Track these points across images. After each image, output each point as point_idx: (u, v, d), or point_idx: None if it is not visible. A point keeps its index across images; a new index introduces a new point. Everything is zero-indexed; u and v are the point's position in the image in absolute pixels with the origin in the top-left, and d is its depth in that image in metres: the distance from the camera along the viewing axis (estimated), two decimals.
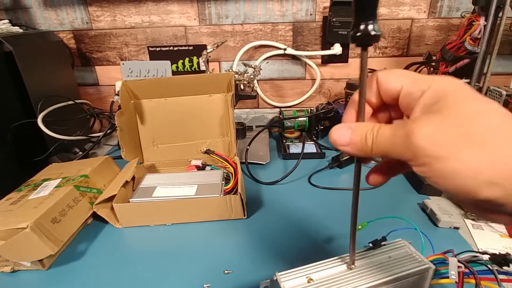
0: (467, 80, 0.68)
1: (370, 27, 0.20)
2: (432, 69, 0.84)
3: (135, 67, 0.96)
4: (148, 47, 0.95)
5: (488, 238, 0.49)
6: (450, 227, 0.51)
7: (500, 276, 0.30)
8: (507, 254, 0.30)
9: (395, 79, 0.22)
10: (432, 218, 0.53)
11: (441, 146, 0.17)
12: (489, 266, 0.31)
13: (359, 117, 0.23)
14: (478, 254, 0.33)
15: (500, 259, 0.30)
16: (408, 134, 0.19)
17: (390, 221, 0.46)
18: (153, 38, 0.95)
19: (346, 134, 0.22)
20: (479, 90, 0.64)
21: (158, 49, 0.95)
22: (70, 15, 0.93)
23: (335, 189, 0.63)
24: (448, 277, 0.32)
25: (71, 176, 0.57)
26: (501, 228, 0.50)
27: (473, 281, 0.31)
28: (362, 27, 0.20)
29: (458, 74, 0.74)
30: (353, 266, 0.31)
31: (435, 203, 0.55)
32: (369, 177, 0.27)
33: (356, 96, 0.23)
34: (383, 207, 0.57)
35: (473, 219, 0.52)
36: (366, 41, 0.20)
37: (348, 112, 0.24)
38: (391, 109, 0.25)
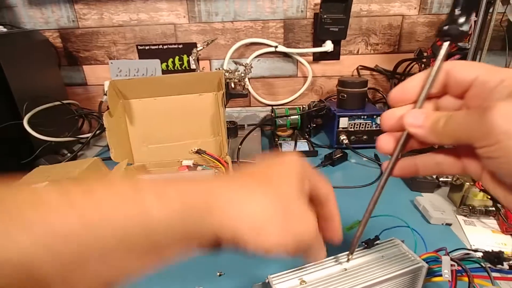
0: None
1: (465, 21, 0.22)
2: (423, 65, 0.84)
3: (124, 66, 0.94)
4: (137, 45, 0.93)
5: (480, 234, 0.49)
6: (442, 224, 0.51)
7: (494, 274, 0.30)
8: (500, 252, 0.30)
9: (469, 69, 0.22)
10: (425, 215, 0.53)
11: None
12: (482, 263, 0.31)
13: (418, 106, 0.24)
14: (471, 252, 0.32)
15: (493, 257, 0.30)
16: (485, 111, 0.19)
17: (382, 219, 0.46)
18: (142, 37, 0.93)
19: (420, 117, 0.23)
20: None
21: (147, 47, 0.93)
22: (56, 13, 0.91)
23: None
24: (441, 275, 0.32)
25: (59, 179, 0.55)
26: (493, 224, 0.51)
27: (466, 279, 0.31)
28: (462, 21, 0.22)
29: None
30: (351, 256, 0.31)
31: (427, 199, 0.55)
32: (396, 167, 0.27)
33: (423, 75, 0.24)
34: (376, 204, 0.57)
35: (465, 215, 0.53)
36: (461, 36, 0.22)
37: (411, 82, 0.25)
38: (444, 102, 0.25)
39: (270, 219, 0.22)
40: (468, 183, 0.53)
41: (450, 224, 0.51)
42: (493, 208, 0.51)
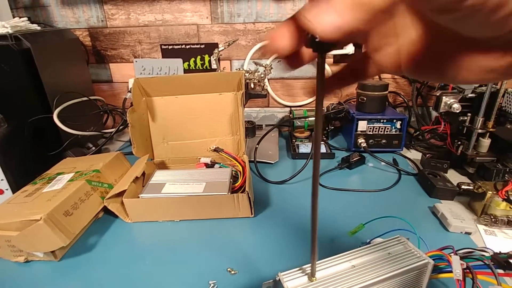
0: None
1: None
2: None
3: (148, 64, 0.97)
4: (160, 45, 0.96)
5: (502, 244, 0.47)
6: (461, 232, 0.50)
7: (498, 270, 0.30)
8: (510, 254, 0.29)
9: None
10: (443, 223, 0.52)
11: None
12: (485, 261, 0.30)
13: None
14: (474, 250, 0.32)
15: (502, 262, 0.29)
16: None
17: (391, 221, 0.46)
18: (166, 36, 0.96)
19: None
20: (496, 92, 0.62)
21: (170, 47, 0.96)
22: (86, 13, 0.95)
23: (343, 190, 0.63)
24: (446, 272, 0.32)
25: (84, 171, 0.58)
26: None
27: (470, 275, 0.30)
28: None
29: None
30: (314, 278, 0.30)
31: (446, 207, 0.54)
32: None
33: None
34: (393, 209, 0.56)
35: (486, 225, 0.51)
36: (323, 46, 0.16)
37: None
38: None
39: None
40: (490, 192, 0.51)
41: (469, 233, 0.49)
42: None
